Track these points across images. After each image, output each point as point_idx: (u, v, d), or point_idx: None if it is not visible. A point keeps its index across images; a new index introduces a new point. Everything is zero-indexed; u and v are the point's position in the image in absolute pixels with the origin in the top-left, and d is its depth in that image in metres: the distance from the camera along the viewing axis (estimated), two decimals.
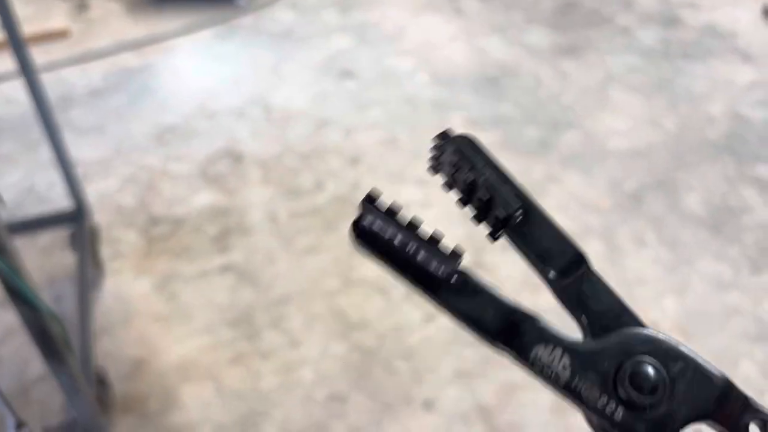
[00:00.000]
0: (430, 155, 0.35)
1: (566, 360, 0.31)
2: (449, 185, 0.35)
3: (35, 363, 1.52)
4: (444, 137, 0.35)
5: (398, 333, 1.63)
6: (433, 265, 0.31)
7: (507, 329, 0.32)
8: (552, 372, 0.31)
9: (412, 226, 0.32)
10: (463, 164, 0.34)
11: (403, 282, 0.31)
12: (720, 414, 0.31)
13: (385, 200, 0.32)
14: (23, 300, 1.03)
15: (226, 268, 1.80)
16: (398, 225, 0.31)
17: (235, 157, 2.18)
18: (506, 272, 1.77)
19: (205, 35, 2.86)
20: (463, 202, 0.34)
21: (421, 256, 0.31)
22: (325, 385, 1.53)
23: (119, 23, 2.95)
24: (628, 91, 2.50)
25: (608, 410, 0.31)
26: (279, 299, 1.71)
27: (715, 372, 0.31)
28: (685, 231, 1.90)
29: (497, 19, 2.96)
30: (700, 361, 0.32)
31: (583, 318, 0.33)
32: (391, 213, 0.32)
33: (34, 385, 1.53)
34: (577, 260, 0.33)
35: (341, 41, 2.80)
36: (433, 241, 0.32)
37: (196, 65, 2.71)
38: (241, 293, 1.73)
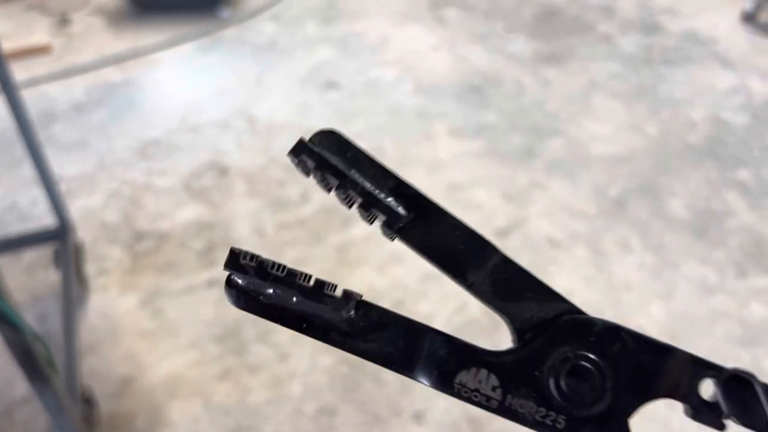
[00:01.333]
0: (293, 161, 0.30)
1: (493, 380, 0.29)
2: (327, 189, 0.30)
3: (19, 383, 1.50)
4: (301, 146, 0.29)
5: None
6: (326, 314, 0.28)
7: (423, 360, 0.28)
8: (482, 396, 0.29)
9: (291, 275, 0.28)
10: (328, 169, 0.29)
11: (303, 334, 0.29)
12: (670, 385, 0.29)
13: (252, 256, 0.28)
14: (6, 321, 1.01)
15: (212, 283, 1.79)
16: (275, 278, 0.28)
17: (220, 170, 2.17)
18: None
19: (187, 48, 2.86)
20: (348, 205, 0.30)
21: (311, 306, 0.28)
22: (314, 399, 1.52)
23: (101, 38, 2.94)
24: (610, 97, 2.52)
25: (549, 421, 0.28)
26: None
27: (658, 342, 0.29)
28: (669, 236, 1.91)
29: (479, 28, 2.98)
30: (637, 335, 0.29)
31: (506, 316, 0.30)
32: (262, 267, 0.28)
33: (18, 406, 1.51)
34: (484, 251, 0.30)
35: (324, 52, 2.81)
36: (318, 287, 0.28)
37: (179, 78, 2.71)
38: (227, 308, 1.71)
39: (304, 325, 0.29)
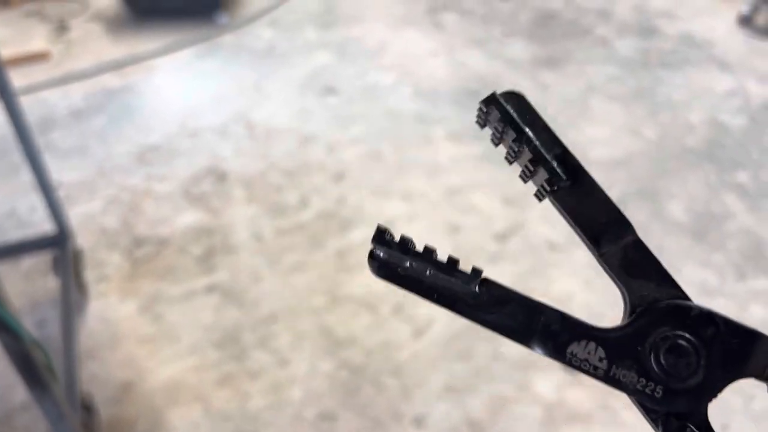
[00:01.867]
0: (478, 110, 0.34)
1: (600, 352, 0.32)
2: (496, 142, 0.35)
3: (19, 389, 1.49)
4: (491, 98, 0.34)
5: (386, 349, 1.62)
6: (456, 287, 0.32)
7: (539, 332, 0.32)
8: (590, 366, 0.32)
9: (428, 252, 0.32)
10: (510, 123, 0.33)
11: (434, 303, 0.32)
12: (756, 367, 0.32)
13: (394, 234, 0.33)
14: (5, 327, 1.01)
15: (211, 288, 1.78)
16: (414, 253, 0.32)
17: (219, 176, 2.17)
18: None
19: (186, 54, 2.86)
20: (509, 160, 0.35)
21: (442, 280, 0.32)
22: (315, 404, 1.52)
23: (100, 44, 2.95)
24: (608, 100, 2.53)
25: (648, 390, 0.32)
26: (266, 318, 1.70)
27: (747, 328, 0.32)
28: (668, 239, 1.91)
29: (477, 32, 2.99)
30: (729, 321, 0.32)
31: (624, 290, 0.33)
32: (403, 243, 0.32)
33: (17, 413, 1.50)
34: (623, 229, 0.33)
35: (323, 58, 2.81)
36: (452, 264, 0.32)
37: (177, 84, 2.71)
38: (227, 313, 1.72)
39: (435, 296, 0.32)
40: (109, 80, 2.70)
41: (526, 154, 0.33)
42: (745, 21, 2.98)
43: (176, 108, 2.53)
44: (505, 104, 0.33)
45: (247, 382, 1.56)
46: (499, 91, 0.33)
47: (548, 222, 1.97)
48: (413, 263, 0.32)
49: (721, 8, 3.13)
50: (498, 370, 1.56)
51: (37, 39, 2.98)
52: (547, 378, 1.55)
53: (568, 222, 0.33)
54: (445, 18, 3.11)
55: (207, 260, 1.87)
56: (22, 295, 1.78)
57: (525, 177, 0.34)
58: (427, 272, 0.32)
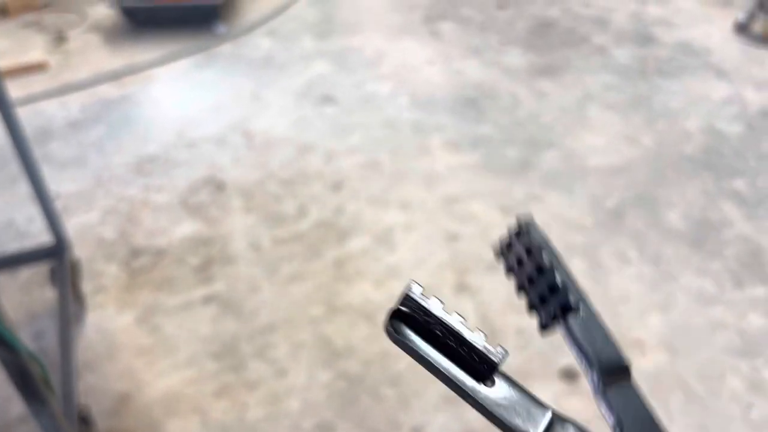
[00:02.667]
0: (500, 241, 0.37)
1: None
2: (510, 271, 0.37)
3: (16, 402, 1.49)
4: (519, 229, 0.37)
5: (384, 359, 1.62)
6: (480, 361, 0.32)
7: None
8: None
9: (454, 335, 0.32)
10: (531, 255, 0.36)
11: (437, 375, 0.31)
12: None
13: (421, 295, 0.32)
14: (1, 341, 1.01)
15: (209, 299, 1.78)
16: (439, 328, 0.31)
17: (217, 186, 2.17)
18: (490, 295, 1.77)
19: (184, 64, 2.87)
20: (521, 288, 0.36)
21: (467, 350, 0.32)
22: (312, 415, 1.51)
23: (98, 54, 2.95)
24: (605, 109, 2.53)
25: None
26: (263, 328, 1.70)
27: None
28: (666, 247, 1.91)
29: (474, 41, 3.00)
30: None
31: (614, 427, 0.34)
32: (428, 312, 0.32)
33: (14, 427, 1.50)
34: (621, 369, 0.35)
35: (320, 67, 2.82)
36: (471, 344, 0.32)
37: (175, 94, 2.71)
38: (225, 324, 1.72)
39: (448, 382, 0.32)
40: (107, 91, 2.70)
41: (548, 278, 0.35)
42: (742, 28, 3.00)
43: (174, 118, 2.54)
44: (532, 234, 0.37)
45: (244, 393, 1.56)
46: (522, 220, 0.37)
47: (546, 230, 1.96)
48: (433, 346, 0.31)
49: (717, 16, 3.14)
50: None
51: (35, 50, 2.99)
52: (546, 388, 1.54)
53: (575, 352, 0.35)
54: (442, 27, 3.12)
55: (204, 270, 1.86)
56: (20, 307, 1.78)
57: (541, 301, 0.36)
58: (444, 363, 0.31)
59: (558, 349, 1.61)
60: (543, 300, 0.35)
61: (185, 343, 1.68)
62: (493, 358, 0.31)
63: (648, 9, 3.23)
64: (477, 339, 0.31)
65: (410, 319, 0.31)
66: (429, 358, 0.31)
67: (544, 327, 0.35)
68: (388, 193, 2.13)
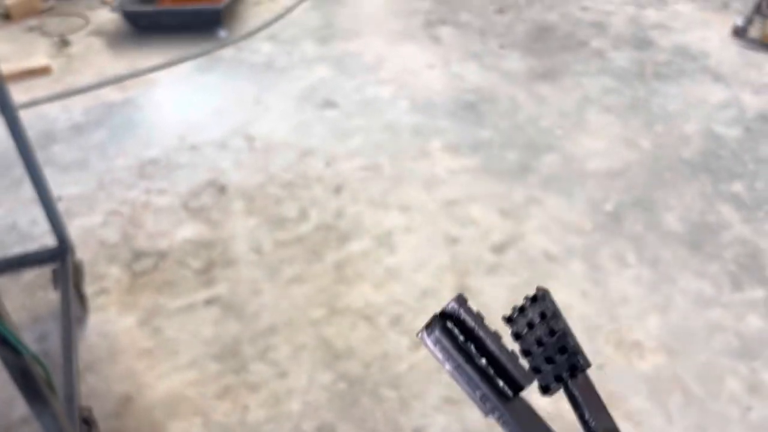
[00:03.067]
0: (514, 309, 0.39)
1: None
2: (517, 336, 0.40)
3: (18, 403, 1.50)
4: (534, 298, 0.40)
5: (385, 361, 1.63)
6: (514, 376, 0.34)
7: None
8: None
9: (496, 337, 0.35)
10: (550, 315, 0.38)
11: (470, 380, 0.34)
12: None
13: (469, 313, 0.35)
14: (5, 342, 1.01)
15: (210, 301, 1.79)
16: (481, 336, 0.34)
17: (218, 189, 2.18)
18: (490, 296, 1.78)
19: (186, 68, 2.89)
20: (525, 353, 0.39)
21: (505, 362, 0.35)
22: (313, 416, 1.52)
23: (100, 58, 2.97)
24: (604, 112, 2.55)
25: None
26: (265, 331, 1.71)
27: None
28: (665, 249, 1.93)
29: (473, 46, 3.01)
30: None
31: None
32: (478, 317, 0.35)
33: (17, 427, 1.51)
34: None
35: (321, 71, 2.84)
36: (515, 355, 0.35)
37: (177, 98, 2.73)
38: (226, 326, 1.73)
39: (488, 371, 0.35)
40: (110, 94, 2.72)
41: (559, 341, 0.38)
42: (740, 33, 3.01)
43: (176, 122, 2.55)
44: (548, 301, 0.39)
45: (246, 394, 1.57)
46: (539, 292, 0.40)
47: (545, 233, 1.98)
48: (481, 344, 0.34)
49: (715, 20, 3.16)
50: None
51: (39, 54, 3.00)
52: None
53: (574, 411, 0.38)
54: (441, 32, 3.13)
55: (206, 273, 1.88)
56: (23, 309, 1.79)
57: (548, 362, 0.38)
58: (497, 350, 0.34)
59: None
60: (550, 361, 0.38)
61: (187, 345, 1.69)
62: (520, 381, 0.34)
63: (646, 13, 3.25)
64: (507, 359, 0.34)
65: (449, 328, 0.34)
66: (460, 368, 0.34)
67: (545, 390, 0.38)
68: (388, 196, 2.14)
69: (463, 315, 0.34)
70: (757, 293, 1.80)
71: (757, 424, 1.48)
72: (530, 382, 0.34)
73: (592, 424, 0.38)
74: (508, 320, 0.40)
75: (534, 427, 0.34)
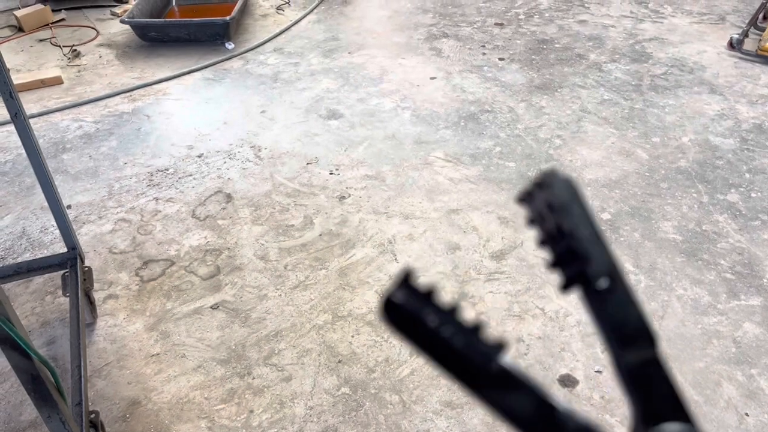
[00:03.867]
0: (525, 188, 0.33)
1: None
2: (534, 221, 0.33)
3: (27, 407, 1.53)
4: (545, 178, 0.32)
5: (388, 366, 1.66)
6: (474, 356, 0.29)
7: (545, 425, 0.30)
8: None
9: (453, 311, 0.29)
10: (557, 207, 0.31)
11: (436, 368, 0.29)
12: None
13: (421, 282, 0.31)
14: (15, 347, 1.03)
15: (217, 307, 1.83)
16: (437, 308, 0.29)
17: (225, 197, 2.22)
18: (490, 303, 1.81)
19: (194, 79, 2.94)
20: (543, 243, 0.32)
21: (461, 343, 0.29)
22: (317, 421, 1.55)
23: (110, 69, 3.02)
24: (602, 123, 2.59)
25: None
26: (270, 336, 1.74)
27: None
28: (662, 257, 1.96)
29: (474, 58, 3.06)
30: None
31: (636, 404, 0.31)
32: (428, 294, 0.29)
33: (26, 431, 1.54)
34: (648, 343, 0.31)
35: (326, 83, 2.88)
36: (475, 329, 0.29)
37: (185, 108, 2.77)
38: (232, 331, 1.76)
39: (446, 362, 0.29)
40: (120, 105, 2.76)
41: (566, 243, 0.31)
42: (736, 45, 3.05)
43: (184, 131, 2.60)
44: (556, 188, 0.32)
45: (251, 398, 1.60)
46: (550, 173, 0.32)
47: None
48: (437, 318, 0.29)
49: (711, 33, 3.20)
50: None
51: (50, 65, 3.06)
52: None
53: (595, 322, 0.31)
54: (443, 44, 3.18)
55: (213, 279, 1.91)
56: (33, 314, 1.82)
57: (558, 264, 0.32)
58: (447, 333, 0.29)
59: (557, 357, 1.65)
60: (562, 262, 0.31)
61: (193, 350, 1.72)
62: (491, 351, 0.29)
63: (643, 27, 3.30)
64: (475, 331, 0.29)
65: (405, 307, 0.28)
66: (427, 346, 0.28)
67: (563, 288, 0.32)
68: (390, 205, 2.18)
69: (410, 304, 0.29)
70: (754, 301, 1.83)
71: (754, 431, 1.50)
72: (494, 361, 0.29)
73: (609, 331, 0.31)
74: (523, 201, 0.34)
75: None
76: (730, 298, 1.83)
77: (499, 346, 0.29)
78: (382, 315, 0.29)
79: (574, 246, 0.31)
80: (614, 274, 0.31)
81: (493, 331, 1.73)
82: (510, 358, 0.29)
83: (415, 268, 1.93)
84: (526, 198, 0.33)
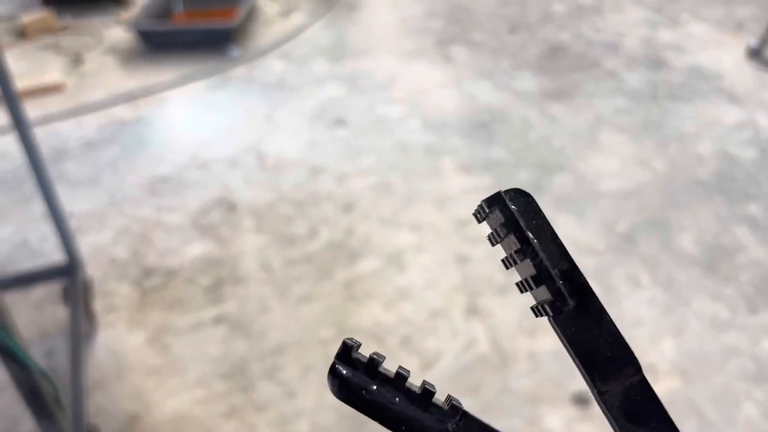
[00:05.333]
0: (479, 204, 0.30)
1: None
2: (494, 241, 0.31)
3: (26, 420, 1.49)
4: (497, 196, 0.30)
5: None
6: (428, 422, 0.29)
7: None
8: None
9: (400, 378, 0.29)
10: (514, 229, 0.29)
11: None
12: None
13: (363, 352, 0.29)
14: (13, 358, 1.01)
15: (219, 319, 1.78)
16: (383, 377, 0.29)
17: (229, 206, 2.18)
18: (501, 319, 1.76)
19: (198, 86, 2.91)
20: (508, 265, 0.31)
21: (412, 412, 0.28)
22: None
23: (113, 76, 3.00)
24: (617, 132, 2.54)
25: None
26: (273, 349, 1.70)
27: None
28: (679, 271, 1.90)
29: (486, 65, 3.02)
30: None
31: None
32: (372, 364, 0.29)
33: None
34: (628, 366, 0.29)
35: (333, 90, 2.85)
36: (426, 395, 0.29)
37: (189, 116, 2.74)
38: (234, 344, 1.71)
39: (403, 428, 0.29)
40: (122, 112, 2.74)
41: (528, 267, 0.29)
42: (754, 54, 3.00)
43: (187, 139, 2.56)
44: (510, 206, 0.29)
45: (253, 414, 1.55)
46: (504, 189, 0.30)
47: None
48: (381, 389, 0.28)
49: (728, 41, 3.15)
50: (507, 405, 1.55)
51: (53, 71, 3.04)
52: (557, 413, 1.53)
53: (567, 349, 0.29)
54: (454, 51, 3.14)
55: (215, 291, 1.87)
56: (32, 325, 1.79)
57: (523, 288, 0.30)
58: (397, 400, 0.28)
59: (570, 373, 1.59)
60: (528, 286, 0.29)
61: (195, 363, 1.68)
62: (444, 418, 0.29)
63: (659, 34, 3.25)
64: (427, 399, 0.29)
65: (350, 381, 0.28)
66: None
67: (534, 313, 0.30)
68: (399, 215, 2.13)
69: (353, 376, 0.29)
70: None
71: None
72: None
73: (592, 363, 0.29)
74: (478, 217, 0.31)
75: None
76: (750, 314, 1.78)
77: (455, 409, 0.28)
78: (330, 387, 0.29)
79: (541, 266, 0.28)
80: (583, 294, 0.29)
81: (504, 346, 1.68)
82: (471, 413, 0.28)
83: (426, 279, 1.88)
84: (481, 214, 0.30)
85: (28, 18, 3.35)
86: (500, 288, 1.85)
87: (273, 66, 3.04)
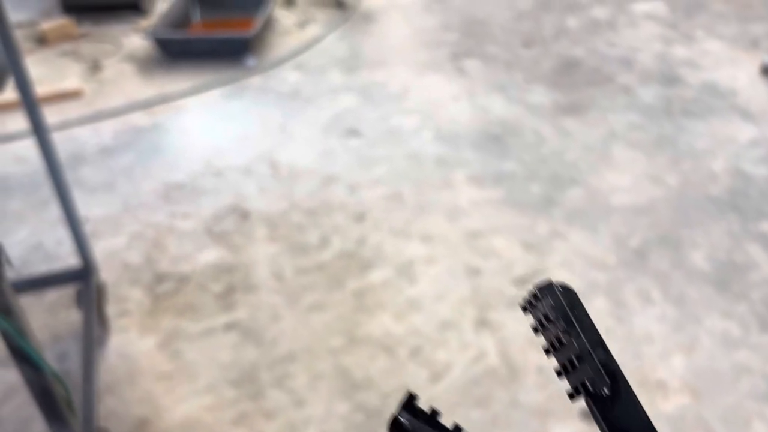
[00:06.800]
0: (527, 295, 0.35)
1: None
2: (537, 330, 0.35)
3: (37, 422, 1.50)
4: (545, 287, 0.35)
5: (403, 393, 1.61)
6: None
7: None
8: None
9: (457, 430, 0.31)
10: (558, 317, 0.34)
11: None
12: None
13: (423, 404, 0.32)
14: (27, 360, 1.02)
15: (230, 326, 1.79)
16: (440, 428, 0.31)
17: (242, 214, 2.20)
18: (511, 332, 1.76)
19: (213, 95, 2.93)
20: (548, 351, 0.34)
21: None
22: None
23: (131, 83, 3.03)
24: (630, 148, 2.53)
25: None
26: (283, 357, 1.70)
27: None
28: (691, 288, 1.89)
29: (499, 78, 3.03)
30: None
31: None
32: (432, 416, 0.32)
33: None
34: None
35: (347, 101, 2.86)
36: None
37: (204, 124, 2.77)
38: (245, 351, 1.72)
39: None
40: (139, 119, 2.77)
41: (572, 347, 0.33)
42: None
43: (202, 147, 2.59)
44: (559, 295, 0.34)
45: (262, 422, 1.56)
46: (548, 282, 0.34)
47: (568, 268, 1.96)
48: None
49: (743, 58, 3.14)
50: (516, 418, 1.54)
51: (72, 77, 3.08)
52: (566, 427, 1.52)
53: (602, 429, 0.32)
54: (468, 64, 3.15)
55: (227, 298, 1.88)
56: (45, 328, 1.80)
57: (564, 371, 0.33)
58: None
59: None
60: (566, 371, 0.33)
61: (205, 369, 1.69)
62: None
63: (674, 50, 3.25)
64: None
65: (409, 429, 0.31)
66: None
67: (570, 397, 0.33)
68: (410, 226, 2.14)
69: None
70: None
71: None
72: None
73: None
74: (525, 308, 0.36)
75: None
76: (762, 332, 1.76)
77: None
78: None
79: (575, 354, 0.32)
80: (616, 380, 0.32)
81: (514, 360, 1.67)
82: None
83: (436, 291, 1.88)
84: (528, 306, 0.35)
85: (48, 25, 3.40)
86: (510, 301, 1.85)
87: (288, 76, 3.07)
